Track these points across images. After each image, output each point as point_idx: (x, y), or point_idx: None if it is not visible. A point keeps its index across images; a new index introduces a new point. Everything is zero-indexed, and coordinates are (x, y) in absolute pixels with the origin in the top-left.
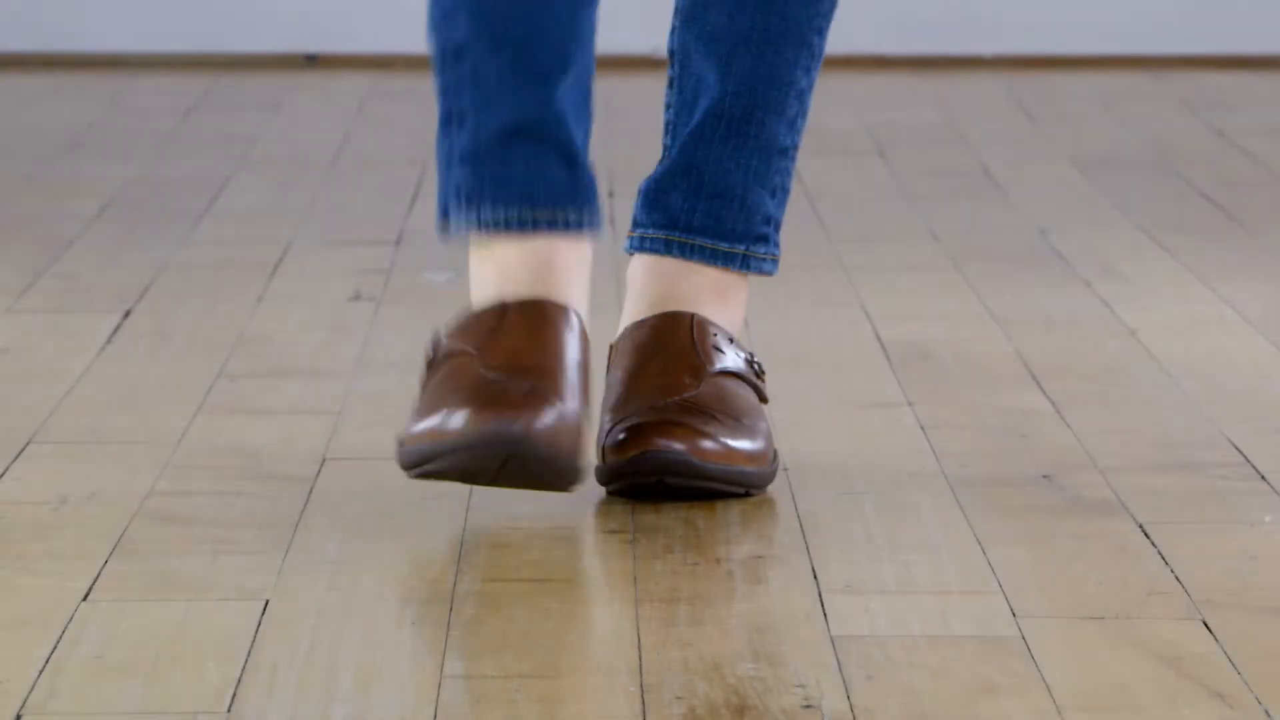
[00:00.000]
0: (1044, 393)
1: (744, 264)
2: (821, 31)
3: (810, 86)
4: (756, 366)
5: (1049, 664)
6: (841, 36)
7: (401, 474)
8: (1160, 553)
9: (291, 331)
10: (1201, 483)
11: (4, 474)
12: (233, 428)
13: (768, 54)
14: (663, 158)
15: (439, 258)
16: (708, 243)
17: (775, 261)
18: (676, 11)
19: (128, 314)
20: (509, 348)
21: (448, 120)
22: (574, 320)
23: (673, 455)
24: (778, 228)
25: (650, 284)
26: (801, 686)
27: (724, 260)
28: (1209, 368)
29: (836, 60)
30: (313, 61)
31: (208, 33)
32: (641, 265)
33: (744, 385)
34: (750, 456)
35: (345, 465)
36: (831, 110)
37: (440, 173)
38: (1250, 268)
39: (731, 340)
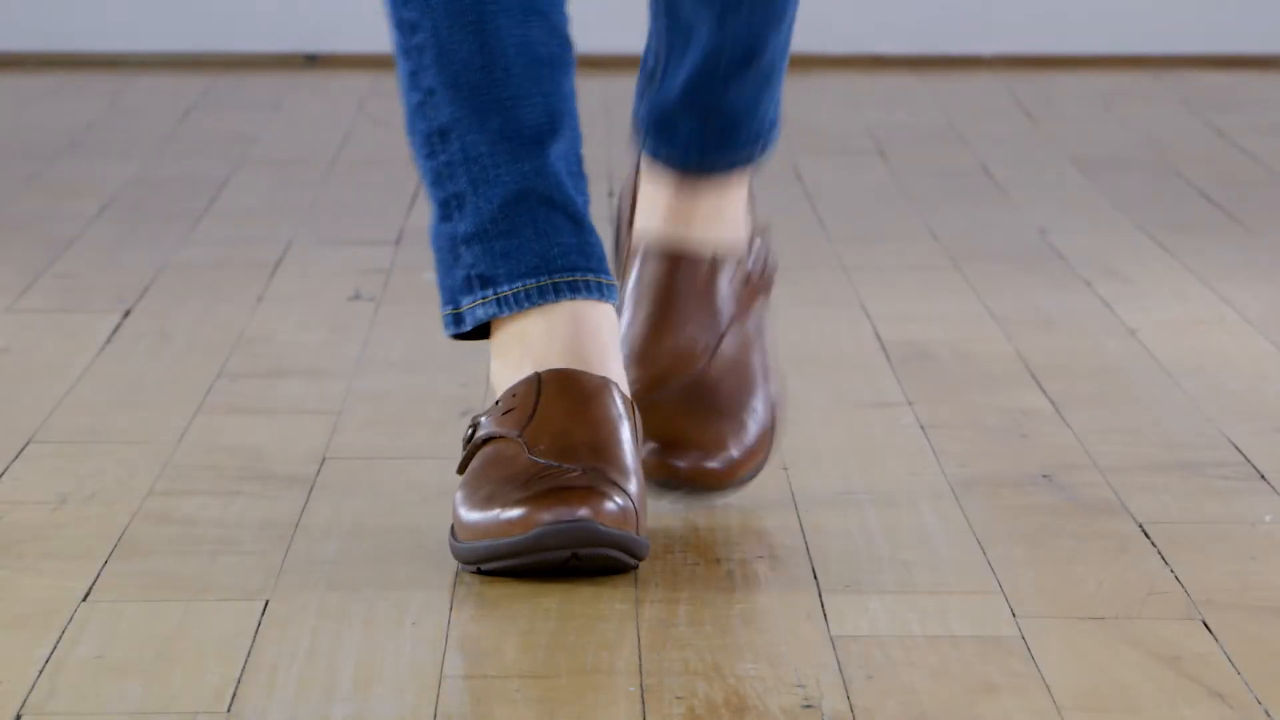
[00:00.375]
0: (1044, 392)
1: (755, 159)
2: None
3: None
4: (759, 270)
5: (1049, 664)
6: (841, 36)
7: (401, 474)
8: (1160, 552)
9: (291, 331)
10: (1201, 482)
11: (4, 474)
12: (233, 428)
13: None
14: (654, 82)
15: None
16: (721, 159)
17: (776, 139)
18: None
19: (128, 314)
20: (554, 429)
21: (445, 209)
22: (614, 390)
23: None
24: (779, 109)
25: (662, 197)
26: (801, 686)
27: (741, 164)
28: (1209, 367)
29: (836, 60)
30: (313, 61)
31: (208, 33)
32: (654, 177)
33: (755, 350)
34: (743, 463)
35: (345, 465)
36: (831, 110)
37: (443, 268)
38: (1250, 267)
39: (740, 258)
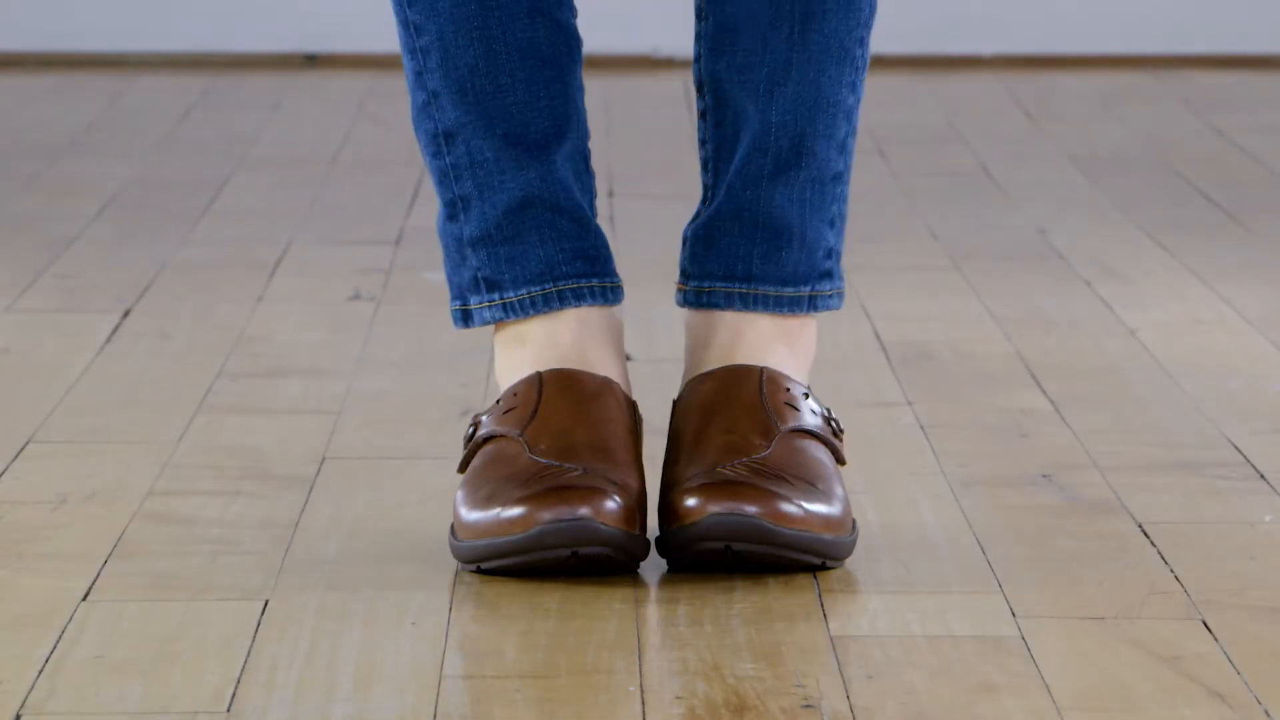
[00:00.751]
0: (1043, 392)
1: (810, 305)
2: (863, 42)
3: (858, 102)
4: (835, 424)
5: (1048, 664)
6: None
7: (401, 474)
8: (1160, 552)
9: (291, 331)
10: (1201, 482)
11: (4, 474)
12: (232, 427)
13: (810, 74)
14: (705, 198)
15: (438, 257)
16: (771, 290)
17: (841, 295)
18: (700, 38)
19: (127, 314)
20: (555, 428)
21: (451, 209)
22: (615, 390)
23: (742, 519)
24: (839, 259)
25: (712, 335)
26: (801, 686)
27: (789, 306)
28: (1209, 367)
29: None
30: (312, 61)
31: (207, 33)
32: (701, 318)
33: (819, 446)
34: (827, 523)
35: (345, 465)
36: None
37: (451, 264)
38: (1250, 267)
39: (807, 395)
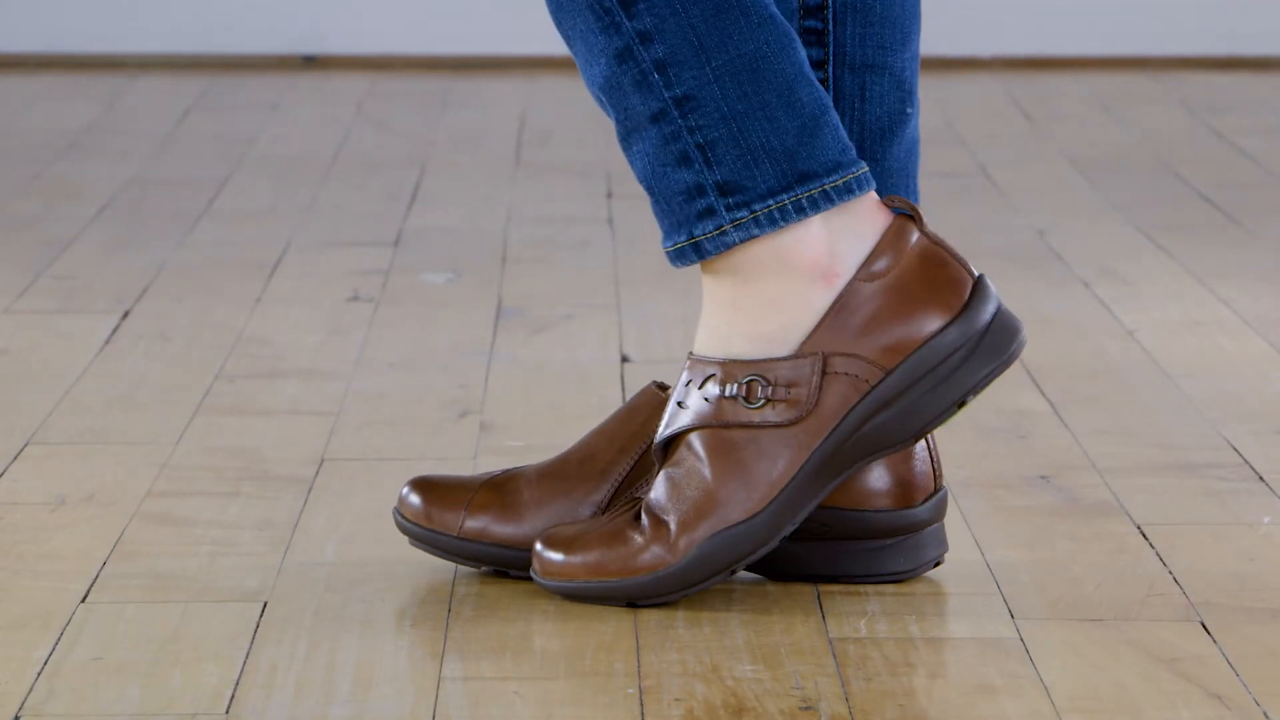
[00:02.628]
0: (1042, 393)
1: (697, 253)
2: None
3: (628, 40)
4: (743, 386)
5: (1047, 665)
6: None
7: (400, 474)
8: (1158, 554)
9: (290, 332)
10: (1200, 484)
11: (3, 474)
12: (231, 428)
13: (567, 33)
14: None
15: (437, 259)
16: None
17: (744, 226)
18: None
19: (126, 314)
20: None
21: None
22: None
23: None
24: (720, 190)
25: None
26: (799, 688)
27: (677, 259)
28: (1207, 368)
29: None
30: (311, 62)
31: (206, 34)
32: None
33: (690, 457)
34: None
35: (344, 465)
36: None
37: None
38: (1248, 268)
39: (713, 374)
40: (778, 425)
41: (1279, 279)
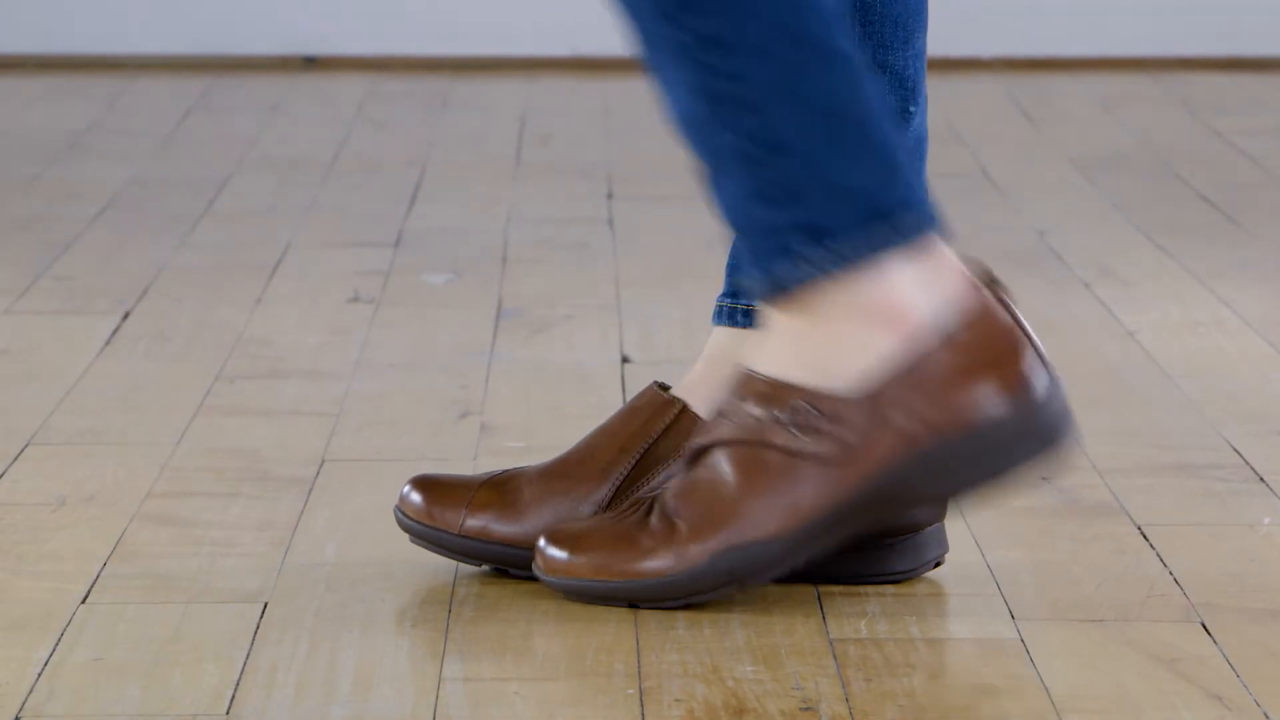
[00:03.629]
0: None
1: (774, 287)
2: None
3: (699, 94)
4: (786, 415)
5: (1047, 666)
6: None
7: (400, 475)
8: (1159, 555)
9: (290, 333)
10: (1200, 484)
11: (3, 475)
12: (232, 429)
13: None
14: None
15: (438, 260)
16: (744, 302)
17: (817, 264)
18: None
19: (127, 315)
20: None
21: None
22: None
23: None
24: (799, 230)
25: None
26: (800, 689)
27: (761, 295)
28: (1207, 369)
29: None
30: (311, 63)
31: (207, 35)
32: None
33: (723, 461)
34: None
35: (344, 466)
36: None
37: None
38: (1248, 269)
39: (762, 392)
40: (816, 458)
41: (1279, 279)
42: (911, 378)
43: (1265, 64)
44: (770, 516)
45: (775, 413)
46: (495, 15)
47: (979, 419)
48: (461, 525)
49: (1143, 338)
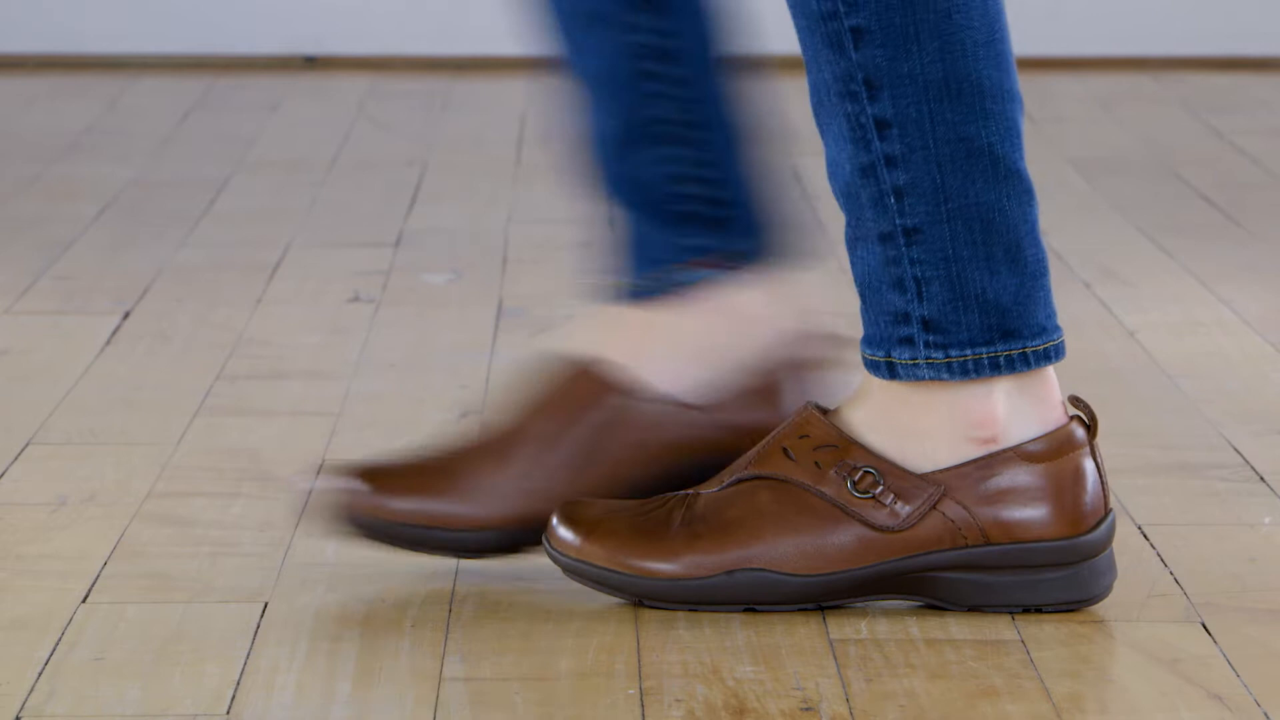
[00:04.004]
0: None
1: (889, 371)
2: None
3: (872, 161)
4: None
5: (1048, 667)
6: None
7: None
8: (1159, 555)
9: (290, 333)
10: (1200, 484)
11: (3, 475)
12: (232, 429)
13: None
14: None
15: (438, 259)
16: (863, 350)
17: (935, 367)
18: None
19: (127, 315)
20: None
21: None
22: None
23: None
24: (923, 327)
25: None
26: (800, 689)
27: (869, 367)
28: (1208, 369)
29: None
30: (311, 63)
31: (207, 34)
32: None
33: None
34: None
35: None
36: None
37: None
38: (1249, 269)
39: (857, 469)
40: (862, 520)
41: (1279, 279)
42: (981, 483)
43: (1265, 64)
44: (795, 553)
45: (840, 466)
46: (495, 15)
47: (1027, 536)
48: (393, 509)
49: (1143, 338)
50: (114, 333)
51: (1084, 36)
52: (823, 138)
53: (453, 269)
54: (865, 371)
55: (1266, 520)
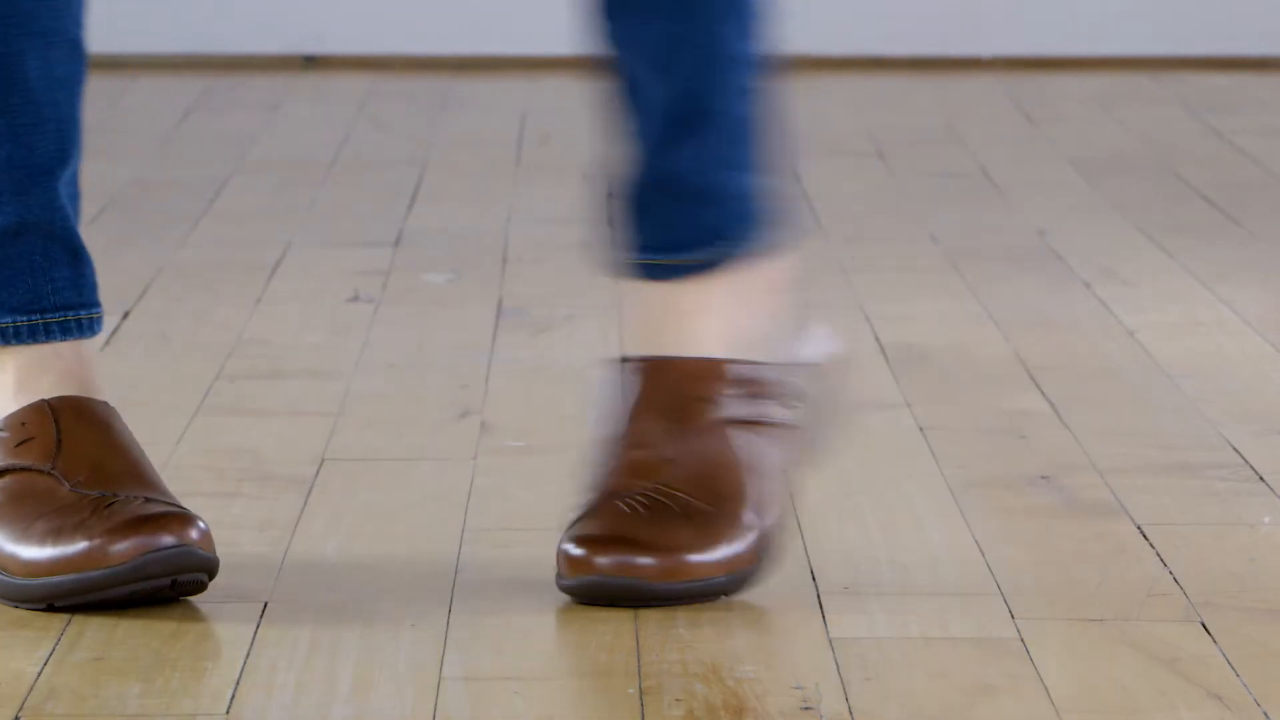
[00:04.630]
0: (1042, 394)
1: (734, 251)
2: None
3: (760, 53)
4: (780, 397)
5: (1047, 666)
6: (841, 36)
7: (400, 475)
8: (1159, 554)
9: (290, 332)
10: (1200, 484)
11: None
12: (232, 429)
13: (703, 35)
14: (627, 167)
15: (437, 259)
16: (699, 256)
17: (775, 226)
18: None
19: (126, 315)
20: (89, 459)
21: None
22: (118, 415)
23: (629, 584)
24: (765, 196)
25: (646, 312)
26: (800, 688)
27: (719, 266)
28: (1207, 368)
29: (836, 61)
30: (311, 63)
31: (207, 34)
32: (636, 291)
33: (744, 443)
34: (728, 564)
35: (344, 466)
36: (831, 111)
37: None
38: (1249, 269)
39: (744, 373)
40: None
41: (1279, 279)
42: None
43: (1265, 63)
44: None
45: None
46: (495, 15)
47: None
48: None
49: (1143, 337)
50: (113, 332)
51: (1084, 36)
52: None
53: (452, 269)
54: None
55: (1266, 520)
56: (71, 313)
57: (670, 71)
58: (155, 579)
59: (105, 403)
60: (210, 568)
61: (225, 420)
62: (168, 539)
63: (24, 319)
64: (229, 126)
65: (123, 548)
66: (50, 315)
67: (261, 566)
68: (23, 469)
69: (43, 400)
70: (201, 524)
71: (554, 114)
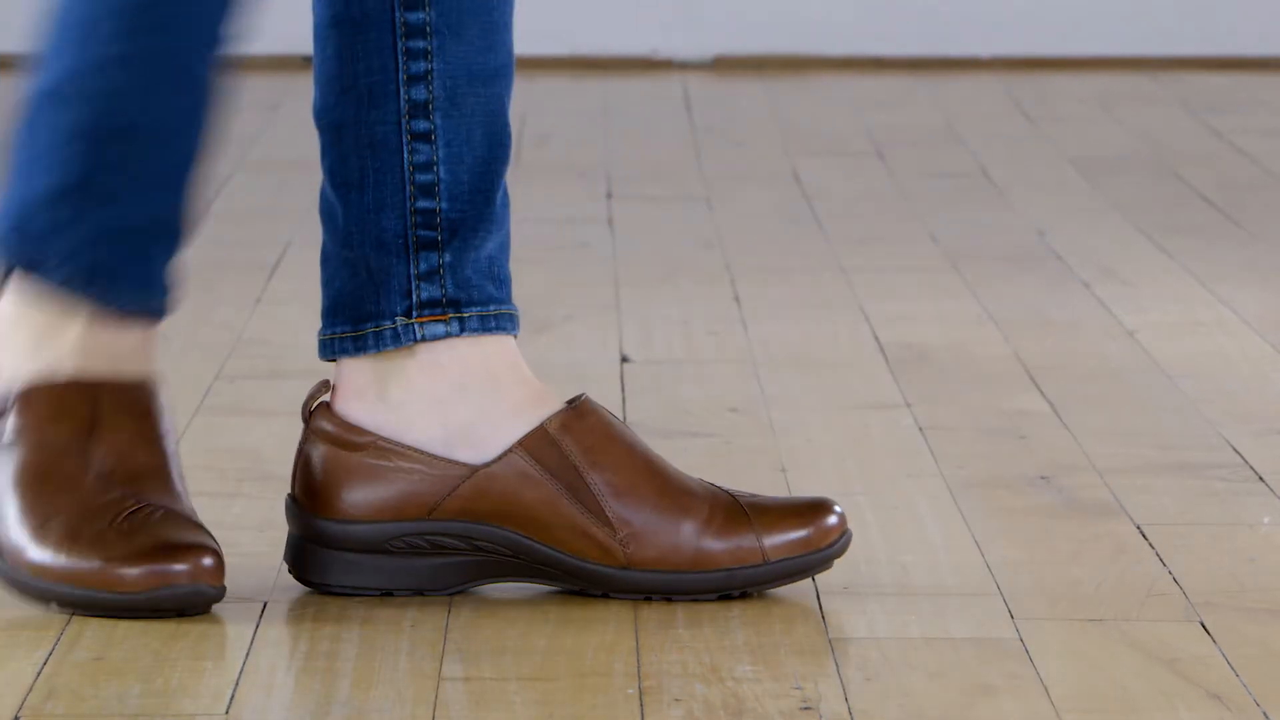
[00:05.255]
0: (1042, 394)
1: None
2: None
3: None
4: None
5: (1047, 666)
6: (841, 37)
7: None
8: (1158, 554)
9: (290, 333)
10: (1200, 484)
11: None
12: (232, 429)
13: None
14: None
15: None
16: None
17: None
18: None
19: None
20: (118, 448)
21: (88, 189)
22: (159, 394)
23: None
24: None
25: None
26: (799, 688)
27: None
28: (1207, 369)
29: (836, 60)
30: (311, 62)
31: None
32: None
33: None
34: None
35: None
36: (830, 111)
37: (62, 209)
38: (1248, 269)
39: None
40: None
41: (1279, 279)
42: None
43: (1265, 63)
44: None
45: None
46: None
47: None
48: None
49: (1143, 337)
50: None
51: (1084, 36)
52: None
53: None
54: None
55: (1266, 520)
56: (166, 306)
57: None
58: (163, 612)
59: (149, 382)
60: (219, 599)
61: (225, 420)
62: (181, 577)
63: (146, 304)
64: (229, 126)
65: (135, 575)
66: (155, 303)
67: (261, 566)
68: (56, 446)
69: (86, 376)
70: (214, 546)
71: (554, 114)
